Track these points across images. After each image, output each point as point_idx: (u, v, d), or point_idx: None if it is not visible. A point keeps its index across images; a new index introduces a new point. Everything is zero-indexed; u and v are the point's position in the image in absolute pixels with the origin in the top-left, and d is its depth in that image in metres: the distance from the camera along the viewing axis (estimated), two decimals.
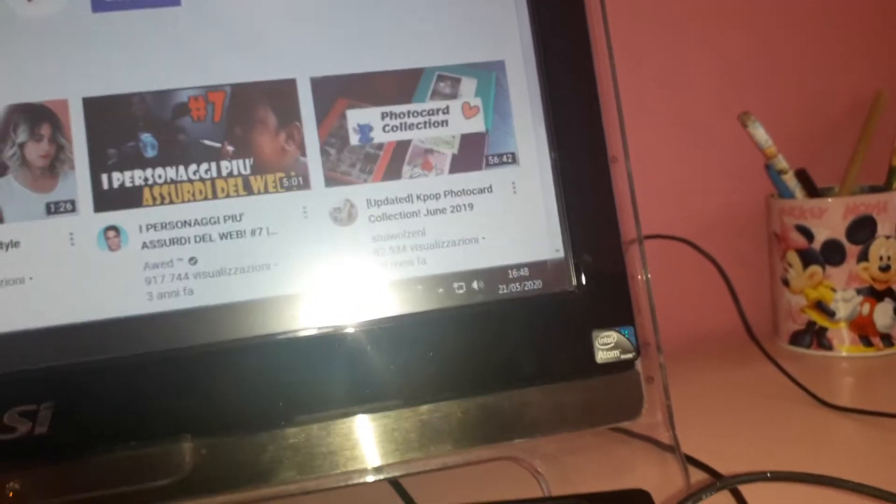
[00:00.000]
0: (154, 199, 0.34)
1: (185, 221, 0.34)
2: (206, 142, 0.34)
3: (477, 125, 0.37)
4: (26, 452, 0.31)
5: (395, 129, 0.36)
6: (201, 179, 0.34)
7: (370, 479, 0.34)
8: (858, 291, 0.56)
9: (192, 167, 0.34)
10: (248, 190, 0.34)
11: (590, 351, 0.36)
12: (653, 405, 0.37)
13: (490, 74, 0.37)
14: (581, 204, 0.37)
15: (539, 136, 0.37)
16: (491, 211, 0.36)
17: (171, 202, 0.34)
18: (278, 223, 0.34)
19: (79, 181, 0.33)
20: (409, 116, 0.36)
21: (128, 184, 0.33)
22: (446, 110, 0.37)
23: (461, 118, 0.37)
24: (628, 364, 0.36)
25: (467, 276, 0.36)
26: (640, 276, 0.38)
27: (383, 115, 0.36)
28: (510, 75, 0.37)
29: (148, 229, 0.33)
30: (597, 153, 0.38)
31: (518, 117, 0.37)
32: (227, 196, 0.34)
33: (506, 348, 0.35)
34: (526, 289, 0.36)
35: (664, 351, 0.38)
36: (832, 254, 0.57)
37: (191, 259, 0.33)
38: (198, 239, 0.34)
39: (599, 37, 0.38)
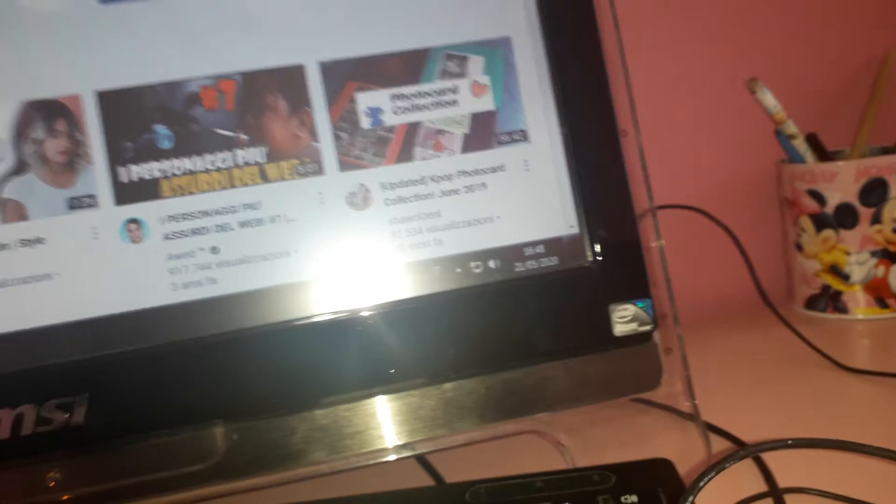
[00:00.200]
0: (173, 190, 0.34)
1: (205, 211, 0.34)
2: (220, 131, 0.35)
3: (486, 104, 0.37)
4: (64, 442, 0.32)
5: (405, 110, 0.36)
6: (218, 169, 0.34)
7: (397, 456, 0.35)
8: (873, 254, 0.56)
9: (209, 157, 0.34)
10: (265, 178, 0.35)
11: (608, 324, 0.36)
12: (672, 375, 0.38)
13: (497, 52, 0.37)
14: (593, 179, 0.37)
15: (549, 113, 0.37)
16: (504, 190, 0.37)
17: (190, 193, 0.34)
18: (296, 210, 0.35)
19: (98, 175, 0.34)
20: (418, 97, 0.36)
21: (146, 176, 0.34)
22: (455, 90, 0.37)
23: (470, 97, 0.37)
24: (646, 336, 0.37)
25: (484, 255, 0.36)
26: (654, 247, 0.38)
27: (393, 97, 0.36)
28: (517, 52, 0.37)
29: (168, 221, 0.34)
30: (607, 127, 0.38)
31: (527, 94, 0.37)
32: (245, 185, 0.34)
33: (525, 325, 0.36)
34: (542, 266, 0.37)
35: (681, 321, 0.38)
36: (845, 217, 0.56)
37: (212, 248, 0.34)
38: (218, 228, 0.34)
39: (605, 9, 0.38)
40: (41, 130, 0.33)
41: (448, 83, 0.37)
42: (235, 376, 0.33)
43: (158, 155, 0.34)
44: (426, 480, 0.37)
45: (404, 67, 0.36)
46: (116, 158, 0.34)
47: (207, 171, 0.34)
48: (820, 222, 0.57)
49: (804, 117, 0.61)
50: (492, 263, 0.36)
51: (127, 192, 0.34)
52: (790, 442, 0.33)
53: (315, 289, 0.34)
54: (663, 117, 0.63)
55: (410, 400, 0.35)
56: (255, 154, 0.35)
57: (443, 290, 0.35)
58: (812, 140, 0.59)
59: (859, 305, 0.57)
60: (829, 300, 0.58)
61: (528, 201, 0.37)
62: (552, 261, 0.37)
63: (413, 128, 0.36)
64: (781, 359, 0.50)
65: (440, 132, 0.36)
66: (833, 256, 0.57)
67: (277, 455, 0.33)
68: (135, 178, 0.34)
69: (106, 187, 0.34)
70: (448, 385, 0.35)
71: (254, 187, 0.34)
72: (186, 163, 0.34)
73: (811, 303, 0.59)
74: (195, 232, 0.34)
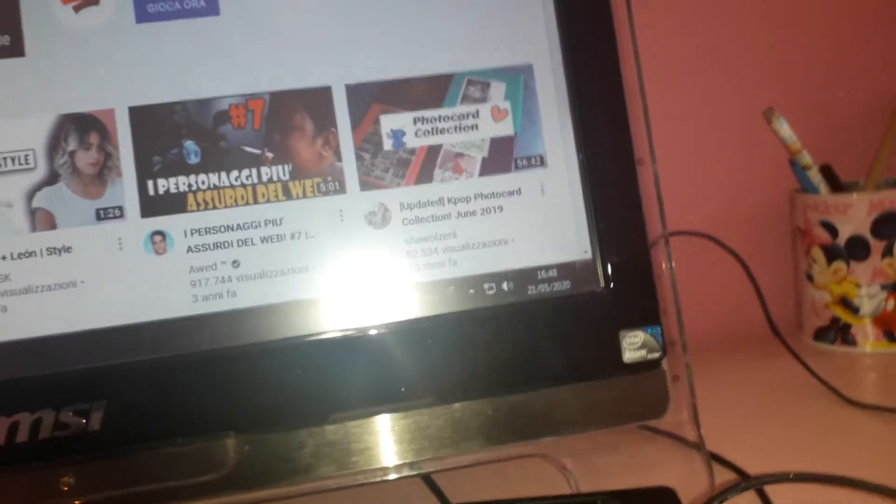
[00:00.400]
0: (198, 204, 0.35)
1: (228, 226, 0.35)
2: (247, 148, 0.35)
3: (506, 128, 0.38)
4: (80, 448, 0.32)
5: (426, 133, 0.37)
6: (243, 185, 0.35)
7: (404, 475, 0.35)
8: (883, 287, 0.57)
9: (234, 173, 0.35)
10: (288, 195, 0.35)
11: (617, 350, 0.37)
12: (678, 403, 0.38)
13: (518, 78, 0.38)
14: (608, 205, 0.38)
15: (567, 139, 0.38)
16: (520, 213, 0.37)
17: (215, 207, 0.35)
18: (316, 227, 0.35)
19: (126, 188, 0.34)
20: (440, 121, 0.37)
21: (172, 190, 0.35)
22: (476, 114, 0.38)
23: (491, 122, 0.38)
24: (655, 363, 0.37)
25: (497, 277, 0.37)
26: (665, 275, 0.39)
27: (415, 120, 0.37)
28: (538, 79, 0.38)
29: (192, 234, 0.35)
30: (624, 155, 0.38)
31: (546, 120, 0.38)
32: (268, 201, 0.35)
33: (535, 348, 0.36)
34: (555, 289, 0.37)
35: (689, 348, 0.38)
36: (857, 249, 0.57)
37: (234, 262, 0.35)
38: (240, 243, 0.35)
39: (625, 39, 0.39)
40: (74, 143, 0.34)
41: (470, 108, 0.37)
42: (249, 389, 0.34)
43: (186, 170, 0.35)
44: (431, 500, 0.38)
45: (428, 92, 0.37)
46: (145, 172, 0.35)
47: (232, 186, 0.35)
48: (831, 254, 0.58)
49: (819, 148, 0.61)
50: (505, 286, 0.37)
51: (153, 205, 0.34)
52: (792, 476, 0.33)
53: (331, 305, 0.35)
54: (679, 144, 0.64)
55: (419, 419, 0.35)
56: (280, 172, 0.36)
57: (455, 311, 0.36)
58: (826, 171, 0.60)
59: (868, 338, 0.57)
60: (838, 332, 0.58)
61: (543, 225, 0.37)
62: (565, 285, 0.37)
63: (434, 150, 0.37)
64: (788, 390, 0.50)
65: (460, 155, 0.37)
66: (843, 288, 0.58)
67: (286, 468, 0.34)
68: (161, 191, 0.35)
69: (133, 199, 0.34)
70: (456, 405, 0.35)
71: (276, 204, 0.35)
72: (212, 178, 0.35)
73: (820, 334, 0.60)
74: (217, 245, 0.35)
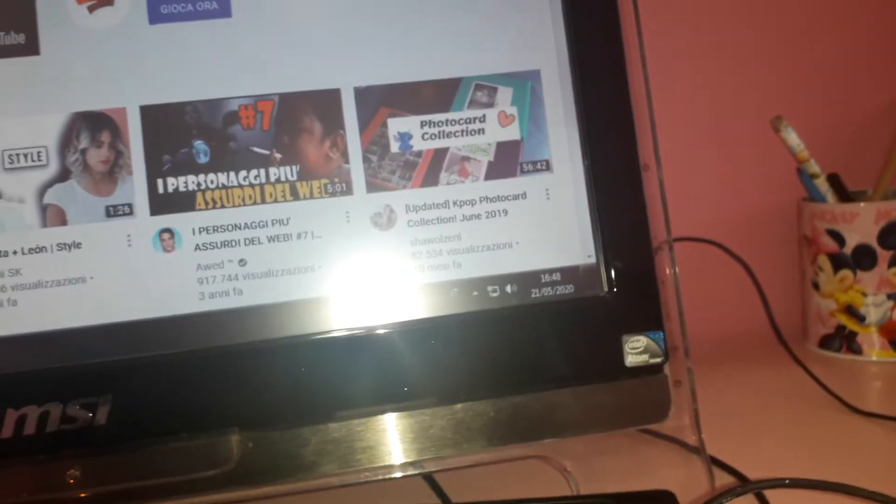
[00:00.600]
0: (206, 203, 0.35)
1: (236, 225, 0.35)
2: (256, 149, 0.36)
3: (512, 133, 0.38)
4: (86, 442, 0.33)
5: (433, 136, 0.37)
6: (251, 185, 0.36)
7: (406, 473, 0.36)
8: (889, 296, 0.56)
9: (243, 173, 0.36)
10: (295, 195, 0.36)
11: (619, 354, 0.37)
12: (680, 408, 0.38)
13: (526, 84, 0.38)
14: (613, 211, 0.38)
15: (573, 144, 0.38)
16: (525, 217, 0.38)
17: (223, 206, 0.35)
18: (322, 227, 0.36)
19: (136, 186, 0.35)
20: (447, 125, 0.37)
21: (182, 188, 0.35)
22: (483, 119, 0.38)
23: (497, 126, 0.38)
24: (657, 368, 0.37)
25: (501, 279, 0.37)
26: (669, 280, 0.39)
27: (423, 124, 0.37)
28: (545, 84, 0.38)
29: (200, 232, 0.35)
30: (629, 161, 0.38)
31: (552, 125, 0.38)
32: (275, 201, 0.36)
33: (537, 351, 0.36)
34: (558, 293, 0.37)
35: (692, 354, 0.38)
36: (863, 258, 0.57)
37: (240, 261, 0.35)
38: (247, 242, 0.35)
39: (633, 45, 0.39)
40: (86, 140, 0.35)
41: (477, 112, 0.38)
42: (254, 386, 0.34)
43: (195, 169, 0.35)
44: (433, 499, 0.38)
45: (436, 96, 0.37)
46: (155, 170, 0.35)
47: (241, 186, 0.36)
48: (838, 262, 0.58)
49: (827, 157, 0.61)
50: (508, 288, 0.37)
51: (162, 203, 0.35)
52: (787, 481, 0.33)
53: (335, 304, 0.35)
54: (686, 150, 0.64)
55: (421, 418, 0.35)
56: (287, 172, 0.36)
57: (459, 313, 0.36)
58: (833, 180, 0.60)
59: (874, 347, 0.57)
60: (843, 340, 0.58)
61: (547, 229, 0.38)
62: (568, 289, 0.37)
63: (440, 153, 0.37)
64: (792, 397, 0.50)
65: (466, 159, 0.37)
66: (849, 297, 0.58)
67: (290, 465, 0.34)
68: (171, 189, 0.35)
69: (143, 197, 0.35)
70: (459, 406, 0.36)
71: (284, 204, 0.36)
72: (221, 177, 0.35)
73: (825, 342, 0.59)
74: (225, 244, 0.35)
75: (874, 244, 0.56)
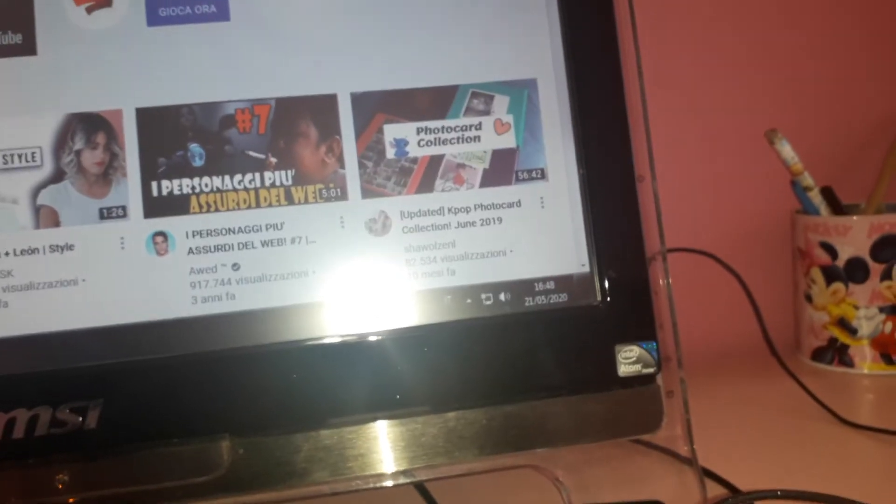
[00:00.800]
0: (201, 206, 0.35)
1: (230, 229, 0.35)
2: (251, 153, 0.36)
3: (508, 141, 0.38)
4: (76, 446, 0.32)
5: (429, 143, 0.37)
6: (245, 189, 0.36)
7: (397, 482, 0.35)
8: (881, 310, 0.57)
9: (238, 177, 0.36)
10: (290, 200, 0.36)
11: (612, 364, 0.37)
12: (672, 418, 0.38)
13: (522, 92, 0.38)
14: (607, 220, 0.38)
15: (568, 153, 0.38)
16: (519, 225, 0.38)
17: (217, 210, 0.35)
18: (317, 232, 0.36)
19: (130, 188, 0.35)
20: (443, 132, 0.37)
21: (176, 191, 0.35)
22: (479, 126, 0.38)
23: (493, 134, 0.38)
24: (650, 378, 0.37)
25: (495, 287, 0.37)
26: (663, 290, 0.39)
27: (419, 130, 0.37)
28: (542, 93, 0.39)
29: (194, 236, 0.35)
30: (624, 171, 0.38)
31: (548, 134, 0.38)
32: (270, 205, 0.36)
33: (530, 359, 0.36)
34: (551, 302, 0.37)
35: (685, 365, 0.38)
36: (856, 271, 0.57)
37: (234, 265, 0.35)
38: (241, 246, 0.35)
39: (629, 56, 0.39)
40: (81, 142, 0.35)
41: (473, 120, 0.38)
42: (245, 391, 0.34)
43: (190, 172, 0.35)
44: None
45: (432, 103, 0.37)
46: (149, 173, 0.35)
47: (235, 190, 0.35)
48: (830, 275, 0.58)
49: (821, 170, 0.62)
50: (502, 296, 0.37)
51: (156, 206, 0.35)
52: (779, 493, 0.34)
53: (328, 310, 0.35)
54: (681, 162, 0.64)
55: (413, 426, 0.35)
56: (282, 177, 0.36)
57: (452, 320, 0.36)
58: (827, 193, 0.60)
59: (865, 360, 0.57)
60: (835, 353, 0.58)
61: (541, 238, 0.38)
62: (562, 297, 0.37)
63: (436, 160, 0.37)
64: (784, 409, 0.50)
65: (461, 166, 0.38)
66: (842, 310, 0.58)
67: (281, 472, 0.34)
68: (165, 192, 0.35)
69: (137, 200, 0.35)
70: (451, 414, 0.35)
71: (278, 208, 0.36)
72: (216, 181, 0.35)
73: (818, 355, 0.60)
74: (218, 248, 0.35)
75: (867, 257, 0.56)
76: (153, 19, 0.36)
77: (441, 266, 0.37)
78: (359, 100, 0.37)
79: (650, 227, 0.39)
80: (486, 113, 0.38)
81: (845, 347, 0.58)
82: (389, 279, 0.36)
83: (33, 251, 0.34)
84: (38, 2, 0.35)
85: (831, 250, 0.58)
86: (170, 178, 0.35)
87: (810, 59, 0.66)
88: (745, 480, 0.39)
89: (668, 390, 0.38)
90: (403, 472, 0.35)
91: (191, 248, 0.35)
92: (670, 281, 0.39)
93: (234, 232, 0.35)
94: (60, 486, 0.32)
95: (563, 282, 0.37)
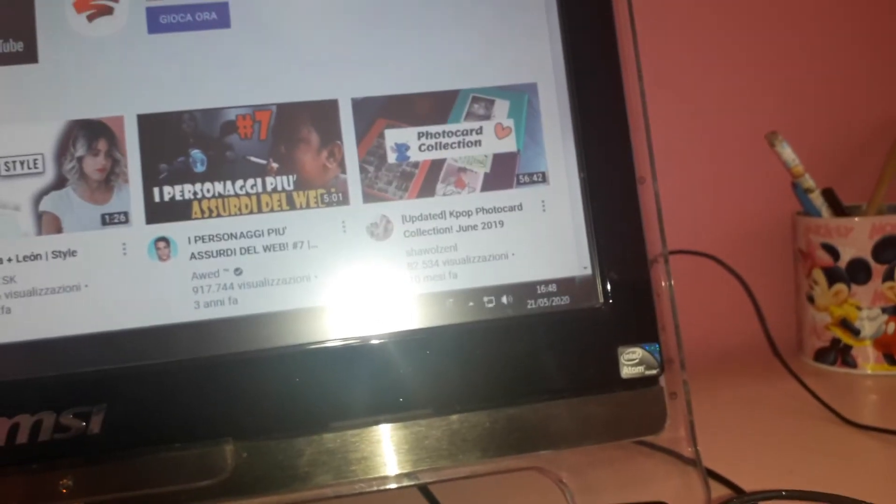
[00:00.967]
0: (203, 212, 0.35)
1: (232, 234, 0.35)
2: (253, 158, 0.36)
3: (509, 145, 0.38)
4: (79, 451, 0.32)
5: (430, 148, 0.37)
6: (247, 194, 0.36)
7: (401, 484, 0.35)
8: (884, 310, 0.57)
9: (239, 182, 0.36)
10: (291, 205, 0.36)
11: (615, 366, 0.37)
12: (676, 420, 0.38)
13: (522, 96, 0.38)
14: (609, 222, 0.38)
15: (569, 156, 0.38)
16: (521, 228, 0.38)
17: (219, 215, 0.35)
18: (319, 237, 0.36)
19: (132, 194, 0.35)
20: (444, 136, 0.38)
21: (178, 197, 0.35)
22: (480, 131, 0.38)
23: (494, 138, 0.38)
24: (652, 380, 0.37)
25: (497, 290, 0.37)
26: (665, 293, 0.39)
27: (420, 135, 0.37)
28: (542, 97, 0.39)
29: (196, 241, 0.35)
30: (625, 174, 0.38)
31: (549, 138, 0.38)
32: (272, 210, 0.36)
33: (533, 362, 0.36)
34: (554, 304, 0.37)
35: (688, 366, 0.38)
36: (858, 272, 0.57)
37: (236, 270, 0.35)
38: (243, 251, 0.35)
39: (629, 59, 0.39)
40: (82, 148, 0.35)
41: (473, 124, 0.38)
42: (248, 395, 0.34)
43: (191, 178, 0.35)
44: None
45: (433, 107, 0.38)
46: (151, 179, 0.35)
47: (237, 195, 0.36)
48: (833, 276, 0.58)
49: (822, 172, 0.62)
50: (504, 299, 0.37)
51: (158, 212, 0.35)
52: (783, 493, 0.33)
53: (331, 314, 0.35)
54: (682, 164, 0.64)
55: (416, 429, 0.35)
56: (284, 182, 0.36)
57: (455, 323, 0.36)
58: (828, 195, 0.60)
59: (868, 361, 0.57)
60: (838, 354, 0.58)
61: (543, 241, 0.38)
62: (564, 300, 0.37)
63: (437, 164, 0.37)
64: (787, 410, 0.50)
65: (462, 170, 0.38)
66: (844, 310, 0.58)
67: (284, 476, 0.34)
68: (167, 198, 0.35)
69: (139, 206, 0.35)
70: (454, 417, 0.36)
71: (280, 213, 0.36)
72: (217, 187, 0.36)
73: (820, 355, 0.60)
74: (221, 253, 0.35)
75: (869, 258, 0.56)
76: (154, 26, 0.36)
77: (443, 269, 0.37)
78: (359, 105, 0.37)
79: (651, 229, 0.39)
80: (487, 117, 0.38)
81: (848, 348, 0.58)
82: (391, 283, 0.36)
83: (36, 257, 0.34)
84: (40, 10, 0.35)
85: (833, 251, 0.57)
86: (171, 183, 0.35)
87: (811, 60, 0.66)
88: (748, 481, 0.39)
89: (671, 392, 0.38)
90: (407, 475, 0.35)
91: (193, 254, 0.35)
92: (672, 283, 0.39)
93: (236, 237, 0.35)
94: (64, 491, 0.32)
95: (565, 284, 0.37)
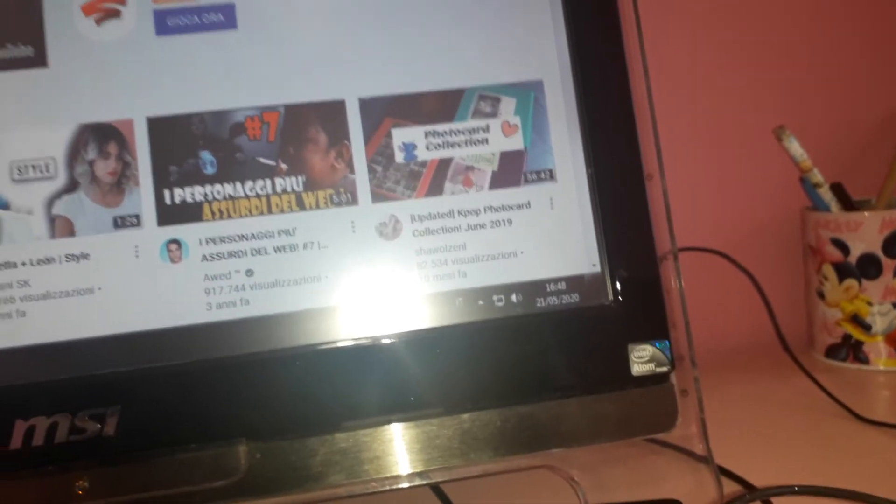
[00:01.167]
0: (213, 214, 0.35)
1: (242, 235, 0.35)
2: (262, 160, 0.36)
3: (516, 143, 0.38)
4: (95, 452, 0.33)
5: (437, 147, 0.38)
6: (257, 196, 0.36)
7: (413, 484, 0.36)
8: (895, 305, 0.56)
9: (249, 184, 0.36)
10: (301, 206, 0.36)
11: (625, 364, 0.37)
12: (687, 417, 0.38)
13: (529, 94, 0.39)
14: (617, 219, 0.38)
15: (576, 153, 0.38)
16: (529, 226, 0.38)
17: (230, 217, 0.36)
18: (328, 237, 0.36)
19: (143, 197, 0.35)
20: (451, 135, 0.38)
21: (189, 199, 0.35)
22: (487, 129, 0.38)
23: (501, 136, 0.38)
24: (663, 377, 0.37)
25: (506, 289, 0.37)
26: (674, 290, 0.39)
27: (427, 134, 0.37)
28: (548, 94, 0.39)
29: (207, 243, 0.35)
30: (633, 170, 0.38)
31: (555, 135, 0.38)
32: (282, 211, 0.36)
33: (543, 360, 0.36)
34: (563, 302, 0.37)
35: (699, 363, 0.38)
36: (868, 267, 0.57)
37: (247, 271, 0.35)
38: (254, 252, 0.35)
39: (635, 55, 0.39)
40: (93, 152, 0.35)
41: (480, 122, 0.38)
42: (261, 396, 0.34)
43: (202, 180, 0.36)
44: None
45: (439, 106, 0.38)
46: (162, 181, 0.35)
47: (247, 196, 0.36)
48: (843, 271, 0.58)
49: (830, 166, 0.61)
50: (514, 298, 0.37)
51: (170, 214, 0.35)
52: (797, 488, 0.33)
53: (342, 314, 0.35)
54: (690, 161, 0.64)
55: (428, 428, 0.35)
56: (293, 183, 0.36)
57: (465, 322, 0.36)
58: (837, 189, 0.60)
59: (880, 356, 0.57)
60: (849, 350, 0.58)
61: (552, 238, 0.38)
62: (573, 298, 0.37)
63: (444, 163, 0.38)
64: (798, 406, 0.50)
65: (470, 168, 0.38)
66: (855, 306, 0.57)
67: (298, 476, 0.34)
68: (178, 200, 0.35)
69: (150, 208, 0.35)
70: (465, 416, 0.36)
71: (290, 214, 0.36)
72: (228, 188, 0.36)
73: (831, 352, 0.59)
74: (232, 254, 0.35)
75: (879, 253, 0.56)
76: (162, 29, 0.36)
77: (452, 268, 0.37)
78: (367, 105, 0.37)
79: (660, 226, 0.39)
80: (494, 115, 0.38)
81: (860, 344, 0.57)
82: (401, 282, 0.36)
83: (49, 261, 0.34)
84: (48, 14, 0.36)
85: (843, 246, 0.57)
86: (182, 185, 0.35)
87: (817, 54, 0.66)
88: (761, 478, 0.39)
89: (682, 389, 0.38)
90: (419, 474, 0.35)
91: (204, 255, 0.35)
92: (682, 279, 0.39)
93: (247, 238, 0.35)
94: (81, 493, 0.33)
95: (574, 282, 0.37)
